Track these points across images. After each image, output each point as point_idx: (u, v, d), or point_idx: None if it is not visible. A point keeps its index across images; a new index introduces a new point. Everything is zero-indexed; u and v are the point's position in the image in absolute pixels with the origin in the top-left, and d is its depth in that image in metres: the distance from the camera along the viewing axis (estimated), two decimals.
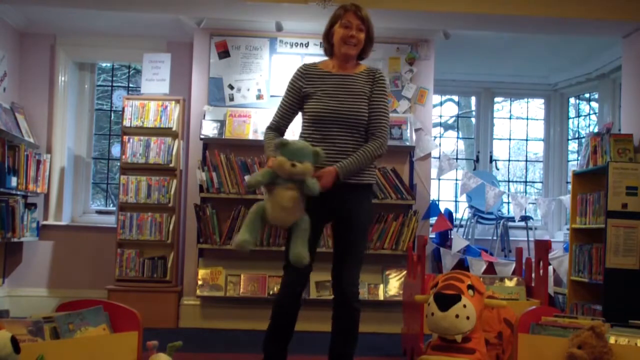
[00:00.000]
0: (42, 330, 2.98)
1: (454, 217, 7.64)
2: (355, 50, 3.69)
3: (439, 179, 7.63)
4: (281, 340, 3.56)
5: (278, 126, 3.80)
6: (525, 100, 8.60)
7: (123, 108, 6.56)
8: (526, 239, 7.30)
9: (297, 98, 3.73)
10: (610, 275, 5.26)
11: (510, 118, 8.53)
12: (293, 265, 3.39)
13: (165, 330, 5.86)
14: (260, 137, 6.35)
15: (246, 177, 3.41)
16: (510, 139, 8.46)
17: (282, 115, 3.80)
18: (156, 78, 6.63)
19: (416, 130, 6.59)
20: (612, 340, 3.32)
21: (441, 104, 8.95)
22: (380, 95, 3.68)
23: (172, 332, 5.96)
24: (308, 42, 6.62)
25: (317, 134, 3.60)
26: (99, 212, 7.35)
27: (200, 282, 6.32)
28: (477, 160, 8.10)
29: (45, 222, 6.92)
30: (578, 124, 8.30)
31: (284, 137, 3.70)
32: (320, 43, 6.51)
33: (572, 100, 8.25)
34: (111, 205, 7.81)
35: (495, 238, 7.42)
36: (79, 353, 2.96)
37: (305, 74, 3.73)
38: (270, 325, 3.57)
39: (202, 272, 6.34)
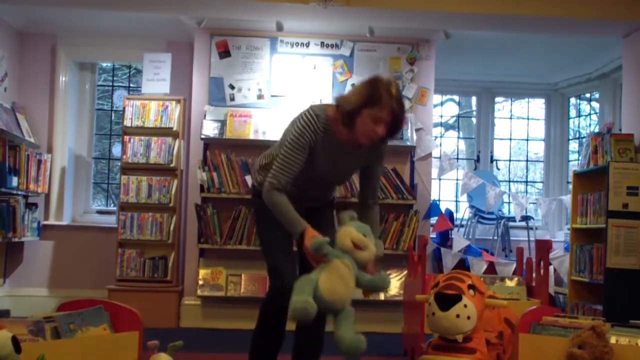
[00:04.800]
0: (43, 330, 2.98)
1: (455, 217, 7.64)
2: (370, 144, 3.34)
3: (440, 179, 7.62)
4: (275, 349, 3.47)
5: (286, 187, 3.26)
6: (526, 100, 8.60)
7: (124, 108, 6.56)
8: (527, 238, 7.30)
9: (307, 153, 3.31)
10: (611, 275, 5.26)
11: (510, 118, 8.53)
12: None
13: (166, 330, 5.86)
14: (261, 137, 6.36)
15: (314, 240, 3.03)
16: (510, 139, 8.46)
17: (293, 174, 3.26)
18: (157, 78, 6.64)
19: (417, 130, 6.59)
20: (612, 340, 3.31)
21: (442, 103, 8.95)
22: (382, 162, 3.53)
23: (172, 332, 5.96)
24: (309, 42, 6.62)
25: (302, 180, 3.34)
26: (100, 212, 7.36)
27: (201, 282, 6.32)
28: (478, 160, 8.10)
29: (46, 222, 6.92)
30: (579, 123, 8.29)
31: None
32: (322, 43, 6.58)
33: (572, 100, 8.24)
34: (112, 205, 7.81)
35: (495, 238, 7.42)
36: (80, 353, 2.96)
37: (315, 128, 3.31)
38: (261, 333, 3.43)
39: (202, 272, 6.35)
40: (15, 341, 2.62)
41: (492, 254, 6.87)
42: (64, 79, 7.07)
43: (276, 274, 3.36)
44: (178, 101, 6.58)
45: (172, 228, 6.49)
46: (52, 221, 6.96)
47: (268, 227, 3.45)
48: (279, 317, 3.33)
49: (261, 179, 3.44)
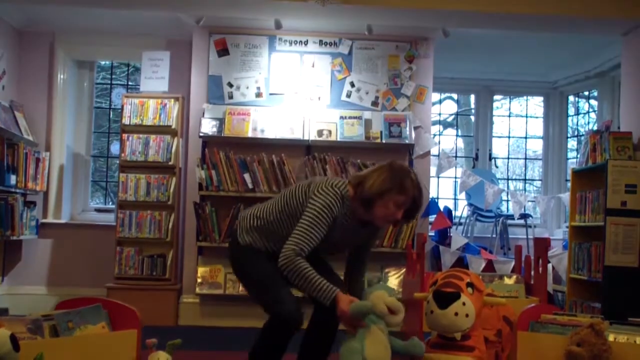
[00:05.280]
0: (41, 329, 2.97)
1: (453, 215, 7.65)
2: (385, 226, 3.54)
3: (438, 177, 7.62)
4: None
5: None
6: (525, 98, 8.60)
7: (122, 106, 6.56)
8: (525, 236, 7.30)
9: (328, 229, 3.31)
10: (610, 273, 5.26)
11: (509, 116, 8.53)
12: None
13: (164, 328, 5.86)
14: (260, 135, 6.36)
15: (357, 305, 3.07)
16: (509, 137, 8.46)
17: (314, 246, 3.25)
18: (155, 76, 6.63)
19: (415, 128, 6.59)
20: (611, 337, 3.31)
21: (440, 101, 8.95)
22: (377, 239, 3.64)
23: (171, 330, 5.95)
24: (307, 40, 6.62)
25: None
26: (98, 210, 7.35)
27: (199, 280, 6.33)
28: (476, 158, 8.10)
29: (44, 220, 6.91)
30: (577, 121, 8.29)
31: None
32: (320, 41, 6.58)
33: (571, 98, 8.25)
34: (110, 203, 7.81)
35: (494, 236, 7.42)
36: (79, 351, 2.96)
37: (340, 208, 3.33)
38: (266, 352, 3.42)
39: (201, 270, 6.35)
40: (14, 339, 2.61)
41: (490, 252, 6.87)
42: (62, 77, 7.06)
43: (282, 301, 3.32)
44: (177, 99, 6.58)
45: (170, 226, 6.48)
46: (50, 219, 6.96)
47: (253, 265, 3.44)
48: (287, 339, 3.35)
49: (250, 240, 3.45)
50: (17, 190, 6.29)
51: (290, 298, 3.33)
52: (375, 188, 3.30)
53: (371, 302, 3.11)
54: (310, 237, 3.23)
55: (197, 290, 6.33)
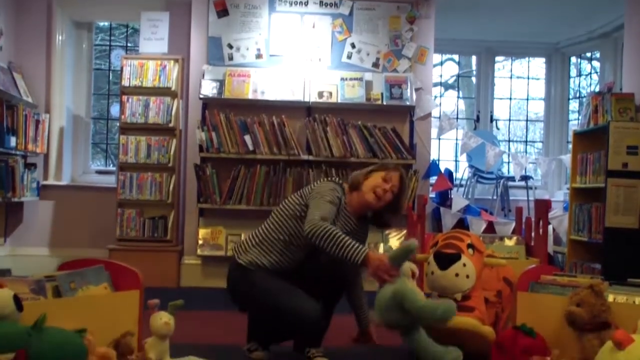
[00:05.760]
0: (44, 289, 2.99)
1: (454, 177, 7.65)
2: (375, 204, 3.60)
3: (439, 139, 7.62)
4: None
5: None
6: (526, 59, 8.54)
7: (121, 68, 6.51)
8: (526, 198, 7.31)
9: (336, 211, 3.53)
10: (610, 235, 5.27)
11: (511, 77, 8.48)
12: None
13: (166, 290, 5.89)
14: (260, 97, 6.33)
15: (395, 250, 3.36)
16: (510, 99, 8.43)
17: (331, 218, 3.42)
18: (154, 37, 6.58)
19: (416, 89, 6.56)
20: (610, 298, 3.33)
21: (441, 63, 8.90)
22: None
23: (173, 291, 5.99)
24: (307, 1, 6.55)
25: (295, 245, 3.52)
26: (99, 172, 7.35)
27: (200, 242, 6.35)
28: (478, 119, 8.08)
29: (45, 182, 6.91)
30: (579, 83, 8.25)
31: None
32: (321, 1, 6.51)
33: (573, 59, 8.19)
34: (111, 165, 7.81)
35: (495, 197, 7.43)
36: (81, 311, 2.97)
37: (340, 195, 3.59)
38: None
39: (202, 232, 6.37)
40: (17, 300, 2.63)
41: (491, 214, 6.89)
42: (60, 38, 7.01)
43: (303, 298, 3.38)
44: (176, 61, 6.53)
45: (171, 188, 6.49)
46: (51, 181, 6.96)
47: (261, 277, 3.48)
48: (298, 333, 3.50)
49: (251, 258, 3.50)
50: (17, 152, 6.28)
51: (309, 297, 3.38)
52: (362, 172, 3.68)
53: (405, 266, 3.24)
54: (326, 208, 3.38)
55: (199, 251, 6.36)
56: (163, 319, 3.11)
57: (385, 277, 3.20)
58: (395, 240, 6.38)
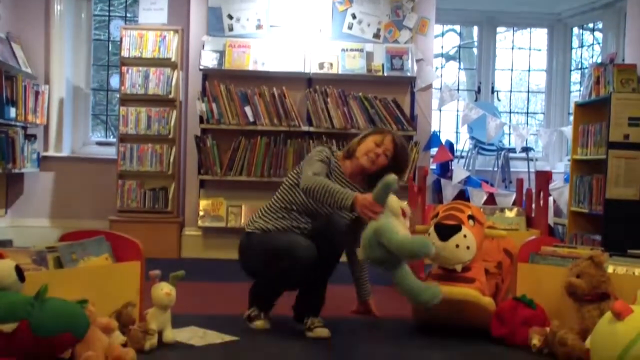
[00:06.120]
0: (45, 260, 3.00)
1: (455, 148, 7.63)
2: (370, 168, 3.68)
3: (440, 110, 7.59)
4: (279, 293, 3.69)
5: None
6: (528, 30, 8.48)
7: (121, 38, 6.47)
8: (527, 170, 7.30)
9: (327, 168, 3.67)
10: (610, 206, 5.27)
11: (512, 48, 8.43)
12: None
13: (167, 261, 5.91)
14: (261, 68, 6.30)
15: (377, 188, 3.37)
16: (512, 70, 8.38)
17: (323, 172, 3.59)
18: (154, 7, 6.53)
19: (417, 60, 6.52)
20: (610, 269, 3.35)
21: (443, 34, 8.83)
22: None
23: (174, 262, 6.01)
24: None
25: (296, 211, 3.64)
26: (99, 144, 7.34)
27: (201, 213, 6.36)
28: (479, 91, 8.04)
29: (45, 154, 6.90)
30: (581, 54, 8.21)
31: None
32: None
33: (575, 30, 8.13)
34: (111, 136, 7.79)
35: (496, 169, 7.42)
36: (83, 282, 2.99)
37: (329, 156, 3.72)
38: (280, 280, 3.59)
39: (203, 203, 6.38)
40: (19, 270, 2.64)
41: (492, 185, 6.89)
42: (59, 7, 6.94)
43: (299, 240, 3.49)
44: (176, 31, 6.49)
45: (172, 159, 6.48)
46: (51, 152, 6.95)
47: (264, 235, 3.61)
48: (297, 273, 3.48)
49: (259, 224, 3.64)
50: (17, 123, 6.26)
51: (298, 237, 3.50)
52: (357, 138, 3.79)
53: (389, 201, 3.36)
54: (316, 166, 3.56)
55: (199, 223, 6.37)
56: (164, 290, 3.13)
57: (370, 214, 3.30)
58: None
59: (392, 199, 3.39)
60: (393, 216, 3.33)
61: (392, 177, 3.34)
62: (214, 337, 3.30)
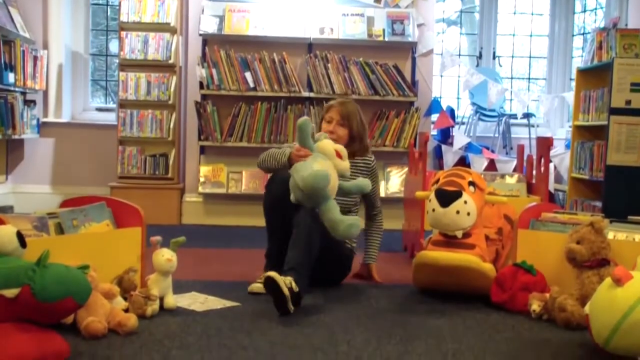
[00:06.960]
0: (46, 226, 3.01)
1: (456, 114, 7.60)
2: (340, 143, 3.74)
3: (441, 76, 7.55)
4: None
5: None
6: None
7: (119, 3, 6.41)
8: (528, 136, 7.28)
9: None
10: (611, 172, 5.26)
11: (515, 13, 8.35)
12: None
13: (168, 227, 5.93)
14: (261, 33, 6.26)
15: (300, 121, 3.55)
16: (513, 35, 8.32)
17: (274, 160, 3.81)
18: None
19: (418, 25, 6.48)
20: (610, 235, 3.36)
21: None
22: (377, 181, 4.08)
23: (175, 228, 6.03)
24: None
25: None
26: (99, 110, 7.30)
27: (202, 179, 6.36)
28: (480, 56, 7.98)
29: (45, 120, 6.88)
30: (584, 19, 8.14)
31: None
32: None
33: None
34: (111, 102, 7.76)
35: (497, 135, 7.40)
36: (84, 248, 3.00)
37: None
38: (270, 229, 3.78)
39: (203, 169, 6.37)
40: (21, 236, 2.64)
41: (492, 151, 6.88)
42: None
43: (274, 175, 3.74)
44: None
45: (172, 125, 6.47)
46: (51, 118, 6.92)
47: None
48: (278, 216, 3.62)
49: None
50: (16, 89, 6.23)
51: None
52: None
53: (319, 145, 3.54)
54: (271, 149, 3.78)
55: (200, 189, 6.37)
56: (165, 256, 3.13)
57: (298, 159, 3.46)
58: (397, 177, 6.39)
59: (324, 143, 3.55)
60: (325, 158, 3.46)
61: (302, 119, 3.50)
62: (215, 303, 3.32)
